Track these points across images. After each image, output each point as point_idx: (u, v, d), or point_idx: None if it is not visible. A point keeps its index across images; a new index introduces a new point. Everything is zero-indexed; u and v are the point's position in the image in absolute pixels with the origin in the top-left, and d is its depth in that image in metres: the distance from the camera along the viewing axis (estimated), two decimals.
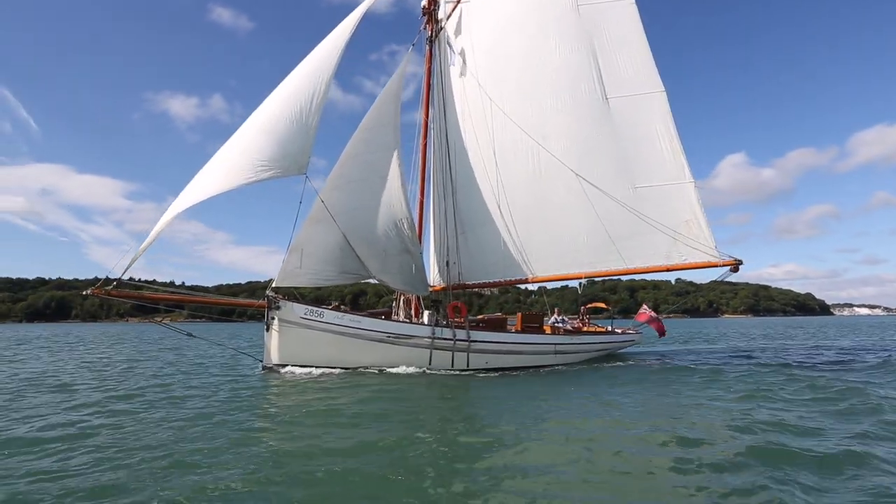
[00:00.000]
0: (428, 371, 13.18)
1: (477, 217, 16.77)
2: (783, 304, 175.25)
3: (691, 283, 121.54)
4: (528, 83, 16.71)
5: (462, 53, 17.42)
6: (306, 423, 7.17)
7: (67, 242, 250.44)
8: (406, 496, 4.43)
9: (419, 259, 14.63)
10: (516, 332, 15.25)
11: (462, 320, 14.00)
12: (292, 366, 12.75)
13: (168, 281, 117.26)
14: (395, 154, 14.41)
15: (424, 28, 17.47)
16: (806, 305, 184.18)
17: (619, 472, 5.03)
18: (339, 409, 8.13)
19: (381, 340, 13.08)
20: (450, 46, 17.56)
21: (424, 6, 17.49)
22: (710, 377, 11.85)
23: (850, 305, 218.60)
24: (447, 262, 16.47)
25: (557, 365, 15.11)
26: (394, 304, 15.78)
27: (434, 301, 15.72)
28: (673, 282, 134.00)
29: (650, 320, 18.49)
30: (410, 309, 15.33)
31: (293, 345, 12.75)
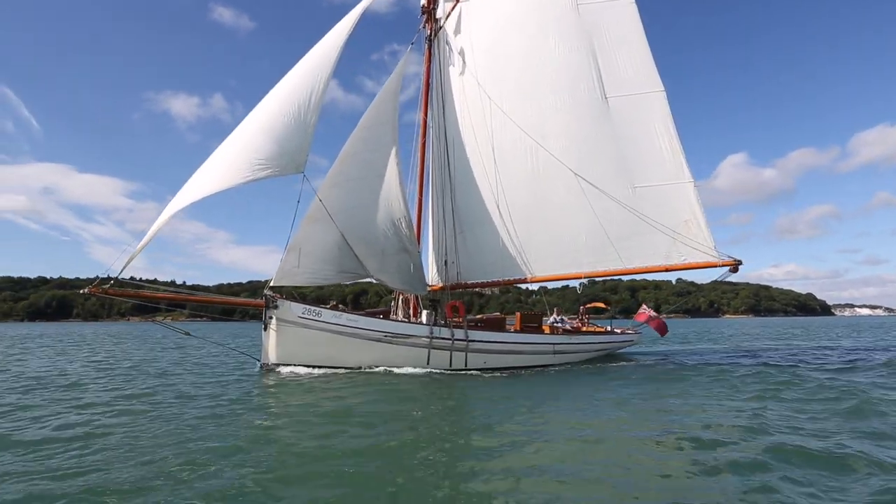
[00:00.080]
0: (425, 371, 13.15)
1: (475, 216, 16.74)
2: (784, 305, 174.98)
3: (692, 284, 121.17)
4: (528, 82, 16.67)
5: (461, 53, 17.38)
6: (316, 423, 7.18)
7: (69, 241, 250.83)
8: (420, 498, 4.41)
9: (417, 258, 14.61)
10: (515, 331, 15.24)
11: (460, 320, 13.98)
12: (290, 365, 12.73)
13: (169, 280, 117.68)
14: (394, 152, 14.38)
15: (423, 27, 17.44)
16: (807, 306, 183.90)
17: (635, 472, 5.00)
18: (349, 409, 8.15)
19: (378, 340, 13.06)
20: (449, 46, 17.53)
21: (423, 5, 17.45)
22: (717, 377, 11.85)
23: (852, 306, 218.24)
24: (445, 262, 16.44)
25: (556, 365, 15.09)
26: (392, 304, 15.77)
27: (432, 300, 15.68)
28: (674, 282, 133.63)
29: (649, 320, 18.47)
30: (409, 308, 15.32)
31: (291, 344, 12.73)
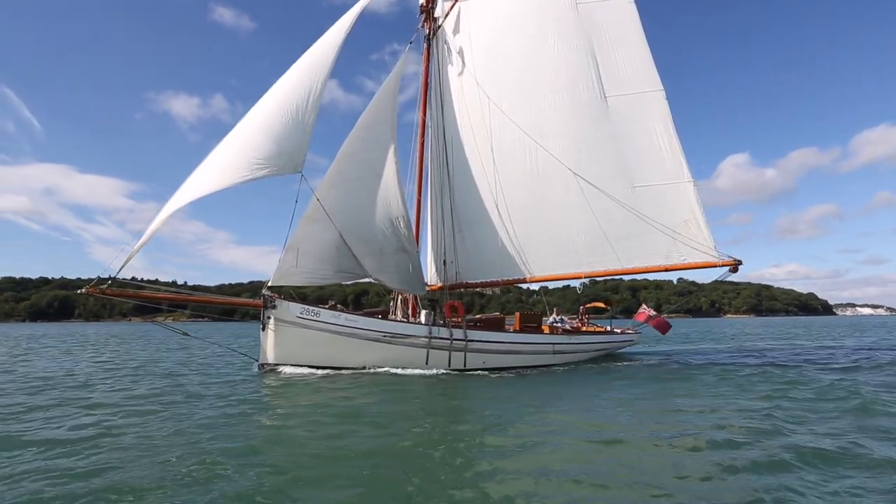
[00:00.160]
0: (424, 372, 13.11)
1: (474, 216, 16.69)
2: (786, 304, 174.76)
3: (693, 283, 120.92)
4: (527, 82, 16.63)
5: (460, 52, 17.34)
6: (327, 423, 7.16)
7: (70, 242, 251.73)
8: (439, 498, 4.38)
9: (415, 258, 14.56)
10: (514, 331, 15.19)
11: (459, 320, 13.94)
12: (288, 366, 12.71)
13: (170, 281, 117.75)
14: (392, 152, 14.33)
15: (422, 26, 17.40)
16: (808, 305, 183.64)
17: (652, 473, 4.95)
18: (358, 409, 8.15)
19: (377, 340, 13.02)
20: (448, 45, 17.49)
21: (422, 4, 17.41)
22: (723, 377, 11.82)
23: (853, 305, 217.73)
24: (444, 262, 16.40)
25: (556, 365, 15.04)
26: (392, 304, 15.74)
27: (431, 300, 15.65)
28: (675, 281, 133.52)
29: (649, 319, 18.43)
30: (408, 308, 15.29)
31: (289, 344, 12.70)
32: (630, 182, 15.52)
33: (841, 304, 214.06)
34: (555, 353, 15.34)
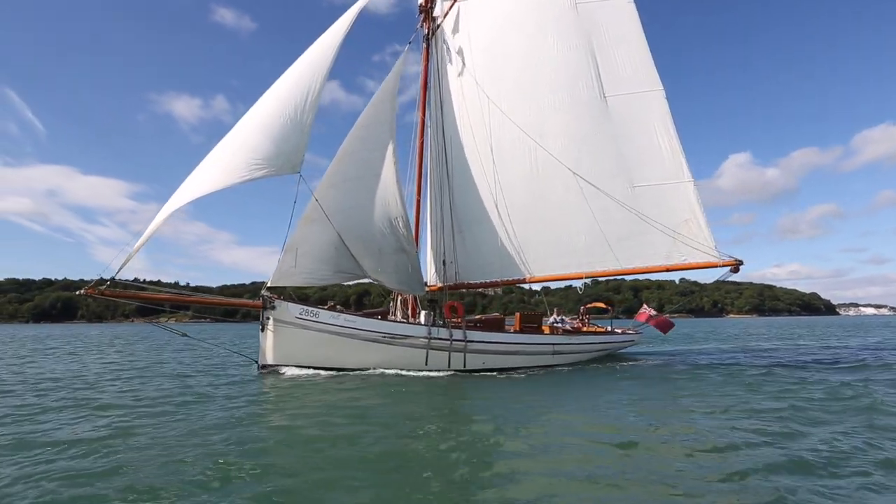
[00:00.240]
0: (424, 372, 13.08)
1: (474, 216, 16.66)
2: (788, 304, 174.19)
3: (695, 283, 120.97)
4: (526, 82, 16.60)
5: (460, 52, 17.31)
6: (338, 424, 7.19)
7: (73, 243, 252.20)
8: (458, 500, 4.38)
9: (415, 258, 14.53)
10: (514, 332, 15.15)
11: (459, 320, 13.90)
12: (287, 366, 12.68)
13: (173, 282, 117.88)
14: (391, 152, 14.30)
15: (421, 26, 17.38)
16: (811, 305, 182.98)
17: (667, 474, 4.93)
18: (367, 410, 8.18)
19: (376, 341, 13.00)
20: (447, 45, 17.47)
21: (421, 4, 17.39)
22: (730, 377, 11.79)
23: (856, 305, 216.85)
24: (444, 262, 16.37)
25: (556, 365, 15.00)
26: (391, 305, 15.71)
27: (431, 301, 15.62)
28: (677, 281, 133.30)
29: (650, 319, 18.39)
30: (408, 309, 15.25)
31: (288, 345, 12.69)
32: (630, 182, 15.47)
33: (844, 304, 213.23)
34: (554, 353, 15.30)
